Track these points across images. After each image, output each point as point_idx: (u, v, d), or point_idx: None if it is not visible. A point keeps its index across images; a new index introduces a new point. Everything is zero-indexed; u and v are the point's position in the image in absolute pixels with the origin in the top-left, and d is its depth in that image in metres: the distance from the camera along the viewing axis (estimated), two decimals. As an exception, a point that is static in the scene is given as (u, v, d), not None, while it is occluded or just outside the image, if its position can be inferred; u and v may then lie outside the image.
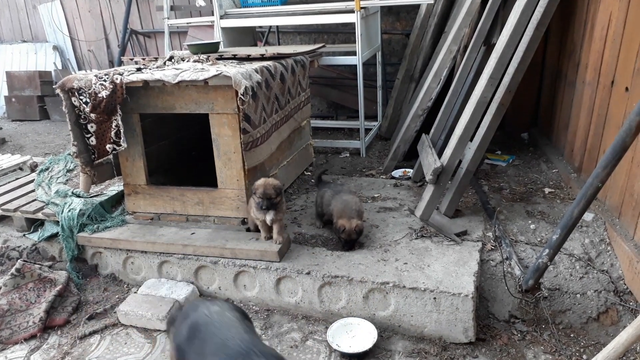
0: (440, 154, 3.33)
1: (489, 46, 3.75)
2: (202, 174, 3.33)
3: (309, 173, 4.33)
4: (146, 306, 2.86)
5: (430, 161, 3.14)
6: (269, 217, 2.93)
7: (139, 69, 3.09)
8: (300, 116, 3.90)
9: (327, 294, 2.78)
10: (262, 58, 3.55)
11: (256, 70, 3.06)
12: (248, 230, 3.19)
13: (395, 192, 3.85)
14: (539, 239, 3.06)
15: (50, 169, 4.04)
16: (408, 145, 4.26)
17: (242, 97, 2.81)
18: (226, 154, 3.10)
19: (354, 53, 4.59)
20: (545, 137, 4.71)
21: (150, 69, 3.11)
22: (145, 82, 2.95)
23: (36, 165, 4.51)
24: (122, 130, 3.05)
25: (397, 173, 4.22)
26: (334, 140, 4.93)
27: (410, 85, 4.99)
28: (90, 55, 7.80)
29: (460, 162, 3.16)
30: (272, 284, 2.88)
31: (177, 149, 3.89)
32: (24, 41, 8.17)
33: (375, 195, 3.77)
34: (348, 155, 4.85)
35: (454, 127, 3.84)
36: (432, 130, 3.83)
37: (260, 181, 2.95)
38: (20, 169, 4.55)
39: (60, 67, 7.77)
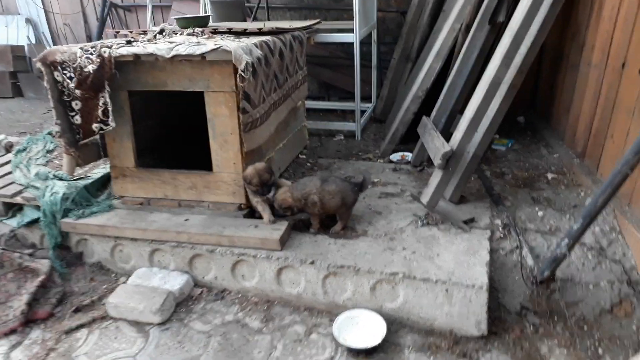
0: (446, 138, 3.19)
1: (494, 25, 3.60)
2: (195, 156, 3.11)
3: (304, 156, 4.15)
4: (138, 298, 2.68)
5: (437, 145, 3.00)
6: (271, 194, 2.88)
7: (128, 42, 2.85)
8: (297, 96, 3.71)
9: (331, 284, 2.64)
10: (260, 32, 3.33)
11: (256, 45, 2.85)
12: (246, 216, 3.01)
13: (395, 176, 3.71)
14: (548, 227, 2.96)
15: (28, 150, 3.77)
16: (406, 128, 4.12)
17: (243, 74, 2.61)
18: (222, 135, 2.90)
19: (348, 31, 4.40)
20: (544, 120, 4.62)
21: (140, 42, 2.87)
22: (137, 57, 2.72)
23: (12, 146, 4.22)
24: (110, 109, 2.82)
25: (396, 157, 4.08)
26: (328, 122, 4.75)
27: (407, 65, 4.82)
28: (67, 29, 7.39)
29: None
30: (272, 274, 2.72)
31: (167, 128, 3.66)
32: (-6, 13, 7.70)
33: (375, 180, 3.62)
34: (342, 138, 4.68)
35: (457, 109, 3.71)
36: (434, 113, 3.68)
37: (250, 170, 2.83)
38: (-5, 148, 4.27)
39: (34, 41, 7.35)
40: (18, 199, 3.20)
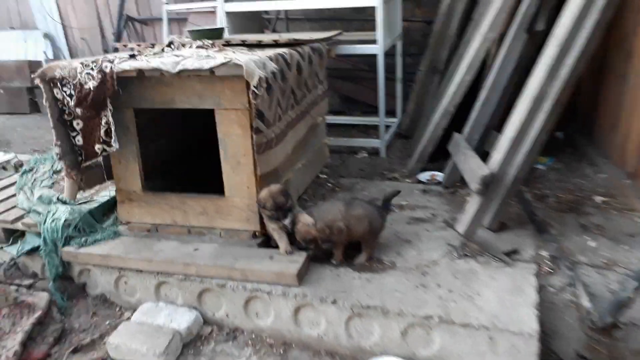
0: (480, 157, 2.88)
1: (532, 34, 3.28)
2: (211, 177, 2.84)
3: (324, 176, 3.86)
4: (141, 338, 2.41)
5: (473, 166, 2.69)
6: (287, 221, 2.60)
7: (132, 56, 2.62)
8: (317, 112, 3.43)
9: (356, 327, 2.33)
10: (276, 45, 3.07)
11: (270, 59, 2.59)
12: (260, 245, 2.73)
13: (425, 199, 3.39)
14: (602, 260, 2.61)
15: (34, 170, 3.58)
16: (435, 145, 3.80)
17: (255, 90, 2.35)
18: (235, 156, 2.64)
19: (371, 42, 4.12)
20: (585, 136, 4.25)
21: (145, 56, 2.64)
22: (140, 72, 2.48)
23: (21, 165, 4.05)
24: (112, 128, 2.59)
25: (424, 177, 3.76)
26: (349, 139, 4.45)
27: (434, 77, 4.52)
28: (84, 43, 7.30)
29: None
30: (289, 313, 2.43)
31: (178, 149, 3.42)
32: (12, 28, 7.65)
33: (403, 204, 3.31)
34: (366, 155, 4.39)
35: (491, 125, 3.40)
36: (467, 129, 3.37)
37: (264, 193, 2.58)
38: (4, 168, 4.10)
39: (51, 56, 7.27)
40: (19, 225, 2.99)
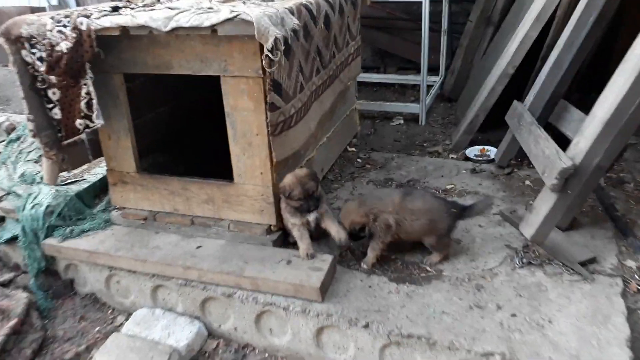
0: (555, 138, 2.29)
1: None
2: (218, 154, 2.35)
3: (353, 149, 3.32)
4: (132, 357, 2.00)
5: (548, 153, 2.11)
6: (312, 217, 2.13)
7: (115, 9, 2.07)
8: (348, 75, 2.85)
9: (393, 357, 1.87)
10: (299, -8, 2.46)
11: (291, 11, 2.01)
12: (276, 243, 2.26)
13: (475, 181, 2.83)
14: None
15: (22, 139, 3.13)
16: (487, 113, 3.19)
17: (271, 55, 1.79)
18: (245, 135, 2.13)
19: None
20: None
21: (132, 9, 2.09)
22: (124, 29, 1.95)
23: (14, 128, 3.61)
24: (94, 100, 2.09)
25: (473, 152, 3.19)
26: (384, 103, 3.85)
27: (487, 30, 3.84)
28: (94, -12, 6.68)
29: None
30: (310, 334, 1.98)
31: (183, 116, 2.92)
32: (17, -30, 7.05)
33: (449, 187, 2.78)
34: (402, 122, 3.80)
35: (560, 93, 2.77)
36: (531, 98, 2.76)
37: (290, 179, 2.09)
38: (-4, 132, 3.67)
39: (55, 2, 6.69)
40: (-3, 208, 2.58)
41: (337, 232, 2.12)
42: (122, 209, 2.50)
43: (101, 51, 2.02)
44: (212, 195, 2.32)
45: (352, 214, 2.14)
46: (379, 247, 2.13)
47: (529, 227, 2.09)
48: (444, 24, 4.03)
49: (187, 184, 2.35)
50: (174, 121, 2.84)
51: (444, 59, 4.17)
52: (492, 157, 3.08)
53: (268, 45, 1.77)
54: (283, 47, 1.84)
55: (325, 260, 2.09)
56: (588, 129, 1.97)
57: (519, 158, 2.96)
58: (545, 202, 2.05)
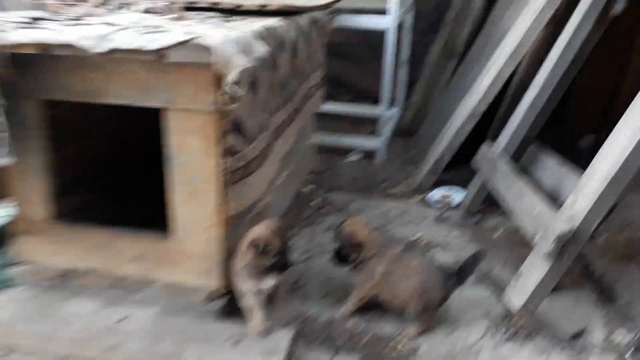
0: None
1: (604, 16, 2.47)
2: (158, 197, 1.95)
3: (309, 187, 3.00)
4: None
5: (537, 210, 1.90)
6: (269, 284, 1.79)
7: (35, 20, 1.64)
8: (311, 108, 2.54)
9: None
10: (263, 12, 2.13)
11: (259, 36, 1.67)
12: (219, 314, 1.88)
13: (442, 231, 2.60)
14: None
15: None
16: (453, 154, 2.99)
17: (235, 89, 1.45)
18: (192, 182, 1.75)
19: (375, 12, 3.24)
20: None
21: (59, 21, 1.67)
22: (43, 48, 1.52)
23: None
24: (5, 133, 1.64)
25: (435, 196, 2.94)
26: (340, 137, 3.56)
27: (449, 63, 3.68)
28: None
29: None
30: None
31: (116, 147, 2.47)
32: None
33: (416, 237, 2.52)
34: (360, 157, 3.52)
35: (532, 136, 2.62)
36: (505, 140, 2.58)
37: (264, 231, 1.73)
38: None
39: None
40: None
41: (282, 315, 1.86)
42: (29, 264, 2.01)
43: (16, 70, 1.59)
44: (145, 252, 1.90)
45: (359, 224, 1.86)
46: (359, 297, 1.89)
47: (517, 296, 1.86)
48: (404, 54, 3.84)
49: (113, 237, 1.92)
50: (109, 154, 2.39)
51: (403, 91, 3.96)
52: (455, 203, 2.86)
53: (232, 77, 1.42)
54: (249, 80, 1.50)
55: (283, 337, 1.74)
56: (588, 186, 1.77)
57: (486, 203, 2.77)
58: (536, 269, 1.82)
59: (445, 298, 1.83)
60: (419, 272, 1.81)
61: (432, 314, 1.85)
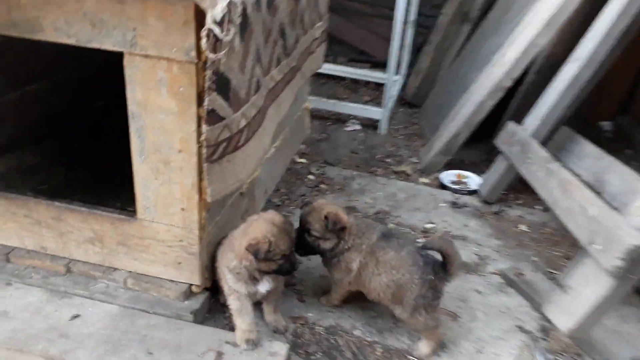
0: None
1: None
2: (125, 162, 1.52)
3: (304, 160, 2.60)
4: None
5: (593, 212, 1.53)
6: (266, 288, 1.46)
7: None
8: (311, 66, 2.10)
9: None
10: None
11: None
12: (198, 315, 1.50)
13: (459, 220, 2.24)
14: None
15: None
16: (471, 131, 2.60)
17: (217, 32, 1.02)
18: (160, 151, 1.35)
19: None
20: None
21: None
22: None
23: None
24: None
25: (448, 177, 2.57)
26: (338, 102, 3.12)
27: (462, 27, 3.26)
28: None
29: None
30: None
31: (72, 99, 2.03)
32: None
33: (428, 226, 2.15)
34: (359, 127, 3.11)
35: (566, 117, 2.25)
36: (536, 121, 2.21)
37: (270, 228, 1.37)
38: None
39: None
40: None
41: (275, 320, 1.53)
42: (-46, 242, 1.60)
43: None
44: (102, 233, 1.51)
45: (337, 207, 1.54)
46: (338, 293, 1.62)
47: (567, 315, 1.50)
48: (412, 14, 3.38)
49: (61, 212, 1.51)
50: (56, 105, 1.95)
51: (407, 57, 3.52)
52: (472, 187, 2.49)
53: (216, 14, 0.99)
54: (240, 21, 1.07)
55: (277, 352, 1.37)
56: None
57: (509, 191, 2.42)
58: (593, 285, 1.46)
59: (427, 297, 1.45)
60: (392, 266, 1.47)
61: (425, 320, 1.47)
